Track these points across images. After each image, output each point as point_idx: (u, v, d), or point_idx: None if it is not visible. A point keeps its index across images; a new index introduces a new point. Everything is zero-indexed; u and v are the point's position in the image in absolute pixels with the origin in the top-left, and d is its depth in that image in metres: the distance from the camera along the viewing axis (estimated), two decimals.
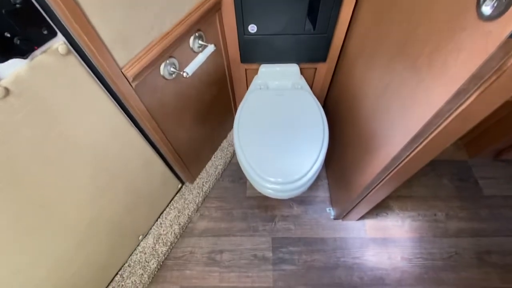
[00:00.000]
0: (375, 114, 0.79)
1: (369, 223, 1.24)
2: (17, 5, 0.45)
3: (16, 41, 0.47)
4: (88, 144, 0.69)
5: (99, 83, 0.64)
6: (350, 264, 1.14)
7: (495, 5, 0.38)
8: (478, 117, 0.50)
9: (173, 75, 0.82)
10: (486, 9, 0.39)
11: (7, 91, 0.49)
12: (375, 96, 0.79)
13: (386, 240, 1.20)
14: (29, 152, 0.57)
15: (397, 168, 0.72)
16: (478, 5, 0.40)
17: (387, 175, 0.78)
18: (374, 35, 0.79)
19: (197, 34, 0.85)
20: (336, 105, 1.19)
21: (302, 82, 1.13)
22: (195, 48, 0.87)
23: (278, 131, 0.94)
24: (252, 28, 0.95)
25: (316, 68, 1.17)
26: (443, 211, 1.27)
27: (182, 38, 0.79)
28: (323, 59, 1.09)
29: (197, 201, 1.27)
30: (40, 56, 0.51)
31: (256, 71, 1.15)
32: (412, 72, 0.59)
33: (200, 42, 0.87)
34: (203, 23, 0.85)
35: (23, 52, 0.49)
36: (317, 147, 0.89)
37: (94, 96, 0.65)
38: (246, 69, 1.17)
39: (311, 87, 1.25)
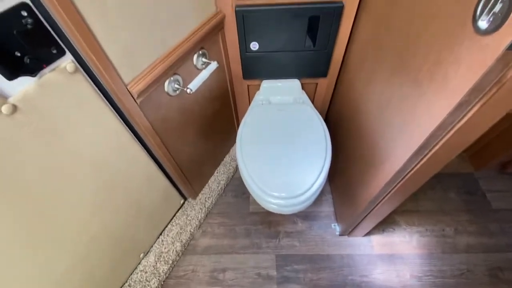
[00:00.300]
0: (377, 127, 0.79)
1: (376, 239, 1.21)
2: (28, 26, 0.47)
3: (26, 60, 0.49)
4: (92, 160, 0.70)
5: (105, 99, 0.65)
6: (358, 282, 1.10)
7: (490, 19, 0.39)
8: (480, 130, 0.50)
9: (177, 92, 0.83)
10: (482, 24, 0.40)
11: (15, 108, 0.50)
12: (377, 110, 0.80)
13: (394, 257, 1.16)
14: (34, 166, 0.57)
15: (402, 181, 0.71)
16: (474, 20, 0.41)
17: (392, 189, 0.77)
18: (374, 50, 0.81)
19: (200, 52, 0.87)
20: (338, 118, 1.19)
21: (304, 96, 1.15)
22: (199, 65, 0.89)
23: (281, 146, 0.94)
24: (254, 46, 0.98)
25: (317, 83, 1.19)
26: (452, 226, 1.24)
27: (186, 56, 0.81)
28: (324, 74, 1.11)
29: (199, 217, 1.25)
30: (48, 74, 0.53)
31: (258, 87, 1.17)
32: (414, 86, 0.59)
33: (204, 59, 0.89)
34: (206, 41, 0.88)
35: (32, 70, 0.50)
36: (320, 161, 0.88)
37: (99, 113, 0.66)
38: (248, 85, 1.20)
39: (312, 101, 1.26)
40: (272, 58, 1.03)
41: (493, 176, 1.39)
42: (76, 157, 0.65)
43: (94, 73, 0.60)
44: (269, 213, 1.28)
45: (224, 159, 1.46)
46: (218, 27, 0.90)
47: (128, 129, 0.76)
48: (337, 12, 0.87)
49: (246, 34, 0.94)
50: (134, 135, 0.80)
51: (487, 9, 0.39)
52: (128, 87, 0.67)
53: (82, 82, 0.58)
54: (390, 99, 0.71)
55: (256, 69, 1.09)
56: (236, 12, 0.87)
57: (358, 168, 0.96)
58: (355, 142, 0.98)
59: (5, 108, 0.48)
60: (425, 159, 0.61)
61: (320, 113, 1.06)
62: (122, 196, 0.86)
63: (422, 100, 0.56)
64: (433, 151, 0.58)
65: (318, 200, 1.33)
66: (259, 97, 1.16)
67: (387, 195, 0.80)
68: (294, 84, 1.15)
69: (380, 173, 0.78)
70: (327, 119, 1.37)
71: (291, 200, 0.83)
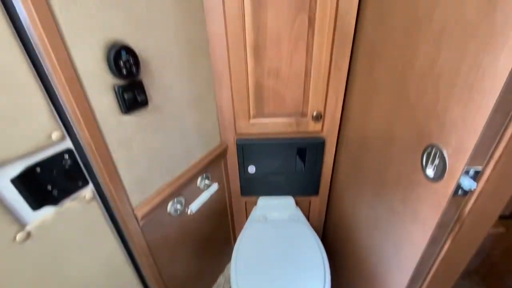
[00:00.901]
0: (371, 249, 0.80)
1: None
2: (66, 166, 0.58)
3: (54, 192, 0.57)
4: (80, 283, 0.67)
5: (111, 223, 0.70)
6: None
7: (434, 169, 0.49)
8: (463, 260, 0.53)
9: (178, 212, 0.89)
10: (430, 172, 0.50)
11: (28, 235, 0.54)
12: (367, 231, 0.83)
13: None
14: None
15: None
16: (423, 168, 0.52)
17: None
18: (354, 176, 0.92)
19: (204, 175, 0.99)
20: (335, 237, 1.19)
21: (299, 213, 1.20)
22: (201, 186, 0.99)
23: (277, 268, 0.91)
24: (251, 169, 1.11)
25: (310, 200, 1.26)
26: None
27: (192, 180, 0.92)
28: (315, 193, 1.20)
29: None
30: (69, 203, 0.60)
31: (255, 203, 1.24)
32: (392, 214, 0.66)
33: (207, 181, 1.00)
34: (210, 167, 1.01)
35: (57, 201, 0.57)
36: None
37: (103, 236, 0.69)
38: (245, 201, 1.27)
39: (308, 218, 1.30)
40: (267, 178, 1.15)
41: None
42: (65, 282, 0.63)
43: (108, 199, 0.68)
44: None
45: (218, 280, 1.35)
46: (221, 155, 1.05)
47: (124, 251, 0.77)
48: (320, 146, 1.04)
49: (245, 160, 1.09)
50: (128, 255, 0.79)
51: (429, 161, 0.51)
52: (134, 211, 0.73)
53: (96, 209, 0.65)
54: (375, 222, 0.76)
55: (253, 187, 1.19)
56: (237, 144, 1.04)
57: None
58: (354, 264, 0.96)
59: (19, 236, 0.52)
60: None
61: (317, 230, 1.08)
62: None
63: (402, 228, 0.61)
64: (427, 280, 0.58)
65: None
66: (256, 212, 1.21)
67: None
68: (288, 201, 1.22)
69: None
70: (324, 236, 1.37)
71: None
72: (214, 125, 1.01)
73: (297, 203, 1.23)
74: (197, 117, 0.90)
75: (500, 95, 0.35)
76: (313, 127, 1.00)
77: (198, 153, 0.95)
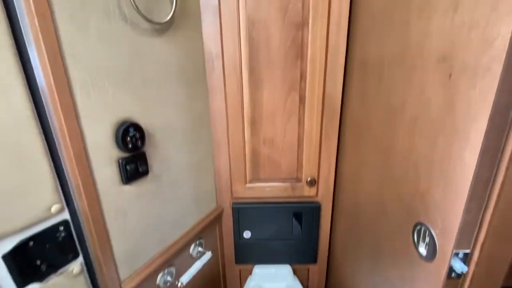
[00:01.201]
0: None
1: None
2: (60, 239, 0.57)
3: (43, 267, 0.55)
4: None
5: None
6: None
7: (426, 247, 0.50)
8: None
9: (168, 284, 0.84)
10: (422, 250, 0.51)
11: None
12: None
13: None
14: None
15: None
16: (415, 246, 0.53)
17: None
18: (351, 244, 0.91)
19: (198, 242, 0.96)
20: None
21: (296, 284, 1.12)
22: (194, 254, 0.95)
23: None
24: (247, 234, 1.09)
25: (308, 268, 1.20)
26: None
27: (184, 248, 0.89)
28: (314, 260, 1.15)
29: None
30: (55, 278, 0.57)
31: (250, 272, 1.17)
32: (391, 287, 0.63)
33: (200, 248, 0.96)
34: (205, 232, 0.99)
35: (43, 277, 0.55)
36: None
37: None
38: (240, 270, 1.20)
39: None
40: (263, 244, 1.12)
41: None
42: None
43: (95, 273, 0.65)
44: None
45: None
46: (217, 220, 1.04)
47: None
48: (316, 209, 1.05)
49: (240, 225, 1.07)
50: None
51: (421, 238, 0.52)
52: (122, 285, 0.69)
53: (81, 285, 0.61)
54: None
55: (248, 254, 1.14)
56: (232, 208, 1.04)
57: None
58: None
59: None
60: None
61: None
62: None
63: None
64: None
65: None
66: (251, 283, 1.13)
67: None
68: (285, 270, 1.16)
69: None
70: None
71: None
72: (211, 189, 1.02)
73: (294, 272, 1.17)
74: (195, 182, 0.92)
75: (471, 185, 0.39)
76: (308, 191, 1.02)
77: (194, 218, 0.94)
